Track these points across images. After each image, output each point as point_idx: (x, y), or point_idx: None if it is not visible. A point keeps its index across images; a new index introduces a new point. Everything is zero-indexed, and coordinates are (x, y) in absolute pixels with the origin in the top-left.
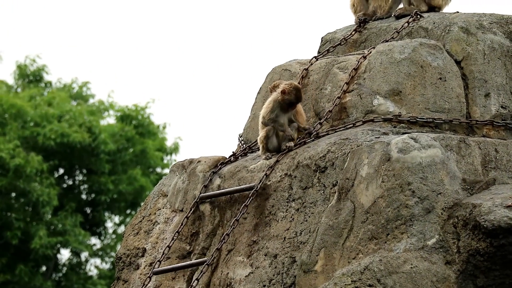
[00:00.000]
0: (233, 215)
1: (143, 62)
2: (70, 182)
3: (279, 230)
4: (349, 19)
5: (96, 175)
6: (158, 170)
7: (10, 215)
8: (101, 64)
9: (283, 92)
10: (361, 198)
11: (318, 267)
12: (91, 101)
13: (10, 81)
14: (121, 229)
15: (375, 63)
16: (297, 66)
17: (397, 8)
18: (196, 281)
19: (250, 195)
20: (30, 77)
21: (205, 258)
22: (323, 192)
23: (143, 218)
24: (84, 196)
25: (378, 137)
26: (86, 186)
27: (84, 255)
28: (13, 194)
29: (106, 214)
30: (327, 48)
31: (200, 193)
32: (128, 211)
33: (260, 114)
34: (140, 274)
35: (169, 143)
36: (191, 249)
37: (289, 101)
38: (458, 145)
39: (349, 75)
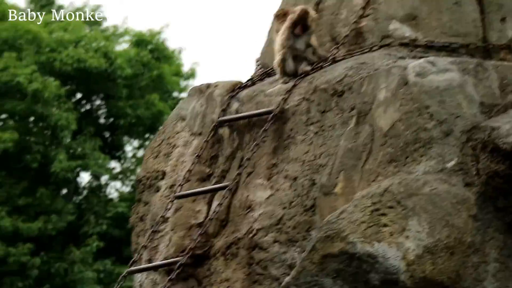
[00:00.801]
0: (252, 138)
1: None
2: (88, 107)
3: (298, 153)
4: None
5: (113, 100)
6: (175, 95)
7: (29, 139)
8: None
9: (294, 16)
10: (379, 121)
11: (338, 189)
12: (103, 25)
13: (22, 6)
14: (140, 153)
15: None
16: None
17: None
18: (218, 206)
19: (268, 119)
20: (42, 1)
21: (227, 183)
22: (341, 116)
23: (162, 141)
24: (102, 121)
25: (395, 61)
26: (104, 110)
27: (104, 178)
28: (32, 119)
29: (125, 138)
30: None
31: (219, 117)
32: (146, 135)
33: (277, 40)
34: (161, 196)
35: (185, 69)
36: (211, 171)
37: (301, 25)
38: (475, 69)
39: (365, 0)
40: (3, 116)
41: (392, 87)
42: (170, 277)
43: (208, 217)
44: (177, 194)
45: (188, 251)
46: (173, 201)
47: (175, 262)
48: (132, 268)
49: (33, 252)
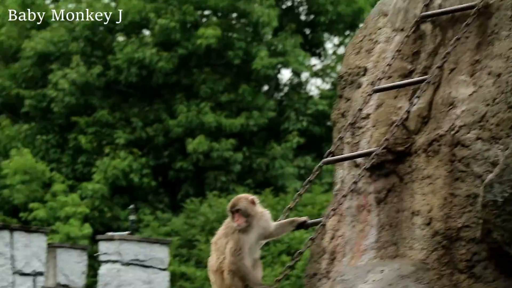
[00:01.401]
0: (455, 34)
1: None
2: (290, 3)
3: (502, 49)
4: None
5: None
6: None
7: (231, 35)
8: None
9: None
10: None
11: None
12: None
13: None
14: (341, 50)
15: None
16: None
17: None
18: (416, 99)
19: (471, 14)
20: None
21: (426, 76)
22: None
23: (363, 37)
24: (303, 18)
25: None
26: (305, 7)
27: (304, 75)
28: (234, 15)
29: (325, 35)
30: None
31: (421, 12)
32: (347, 33)
33: None
34: (362, 92)
35: None
36: (413, 68)
37: None
38: None
39: None
40: (206, 12)
41: None
42: (365, 166)
43: (406, 110)
44: (376, 87)
45: (383, 142)
46: (371, 94)
47: (370, 153)
48: (328, 158)
49: (236, 148)
